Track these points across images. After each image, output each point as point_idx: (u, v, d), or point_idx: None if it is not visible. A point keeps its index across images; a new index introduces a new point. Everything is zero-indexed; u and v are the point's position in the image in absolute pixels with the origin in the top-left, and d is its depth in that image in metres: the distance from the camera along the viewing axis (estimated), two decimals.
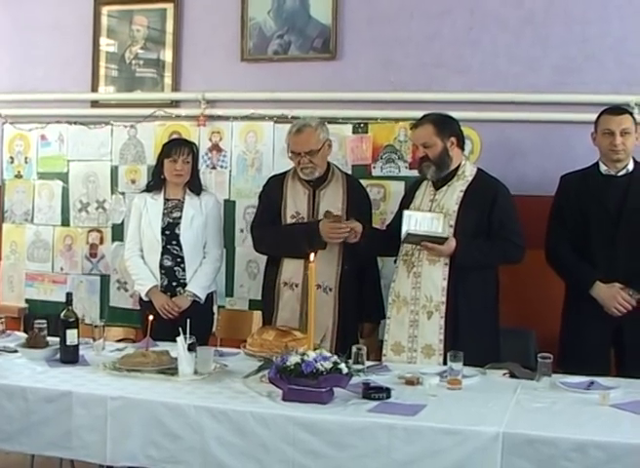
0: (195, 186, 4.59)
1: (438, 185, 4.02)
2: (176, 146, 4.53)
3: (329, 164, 4.36)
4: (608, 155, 3.96)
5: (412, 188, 4.23)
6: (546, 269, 4.10)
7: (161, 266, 4.50)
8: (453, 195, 3.95)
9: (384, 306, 4.28)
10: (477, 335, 3.84)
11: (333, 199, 4.26)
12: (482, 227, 3.92)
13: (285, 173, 4.42)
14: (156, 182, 4.60)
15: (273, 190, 4.38)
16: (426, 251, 3.87)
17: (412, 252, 3.96)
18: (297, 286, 4.21)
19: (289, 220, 4.27)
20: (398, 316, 3.97)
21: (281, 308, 4.26)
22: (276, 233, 4.30)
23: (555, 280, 4.12)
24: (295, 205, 4.28)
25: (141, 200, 4.61)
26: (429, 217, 3.91)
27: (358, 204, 4.30)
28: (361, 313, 4.33)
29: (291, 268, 4.23)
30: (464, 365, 3.34)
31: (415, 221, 3.92)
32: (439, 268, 3.88)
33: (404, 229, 3.90)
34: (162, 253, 4.50)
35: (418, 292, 3.91)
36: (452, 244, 3.83)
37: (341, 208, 4.23)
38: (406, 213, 3.96)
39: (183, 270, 4.50)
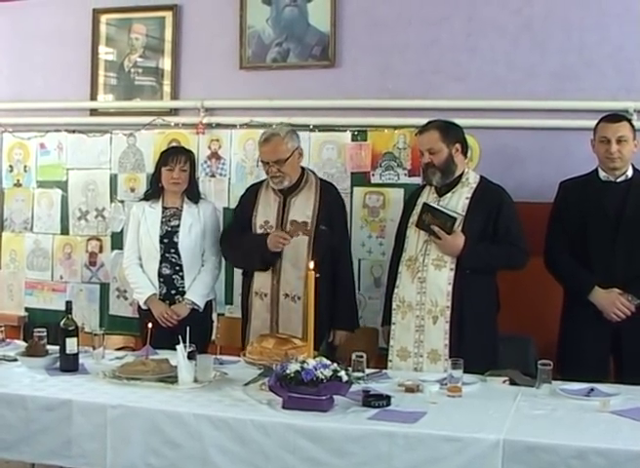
0: (193, 194, 4.58)
1: (442, 192, 4.02)
2: (173, 155, 4.52)
3: (303, 170, 4.32)
4: (604, 162, 3.97)
5: (413, 196, 4.23)
6: (545, 276, 4.10)
7: (160, 274, 4.49)
8: (459, 201, 3.96)
9: (358, 314, 4.35)
10: (480, 340, 3.85)
11: (303, 207, 4.22)
12: (487, 233, 3.93)
13: (262, 181, 4.40)
14: (154, 191, 4.60)
15: (247, 199, 4.38)
16: (433, 237, 3.88)
17: (416, 257, 3.96)
18: (265, 295, 4.21)
19: (258, 230, 4.24)
20: (403, 321, 3.96)
21: (253, 317, 4.26)
22: (235, 248, 4.32)
23: (554, 286, 4.12)
24: (265, 214, 4.27)
25: (140, 208, 4.60)
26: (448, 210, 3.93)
27: (329, 211, 4.24)
28: (332, 320, 4.23)
29: (261, 278, 4.23)
30: (466, 369, 3.33)
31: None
32: (444, 273, 3.88)
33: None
34: (160, 262, 4.48)
35: (423, 297, 3.90)
36: (459, 240, 3.84)
37: (311, 215, 4.20)
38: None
39: (182, 278, 4.49)
